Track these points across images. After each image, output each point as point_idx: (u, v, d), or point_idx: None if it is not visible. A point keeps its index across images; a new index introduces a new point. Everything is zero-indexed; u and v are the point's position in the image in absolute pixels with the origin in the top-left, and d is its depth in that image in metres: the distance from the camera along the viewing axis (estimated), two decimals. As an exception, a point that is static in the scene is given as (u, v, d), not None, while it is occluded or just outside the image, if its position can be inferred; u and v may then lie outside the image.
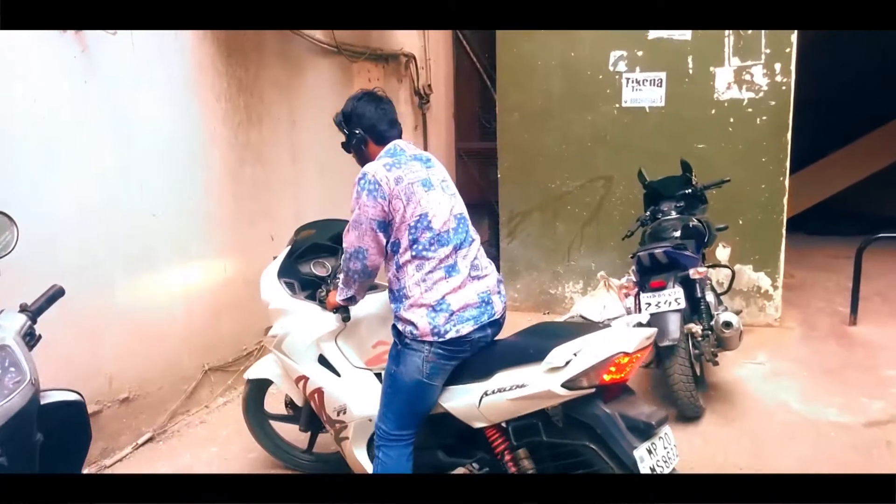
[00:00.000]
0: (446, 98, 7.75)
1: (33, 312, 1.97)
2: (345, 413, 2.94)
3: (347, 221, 3.25)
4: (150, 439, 3.87)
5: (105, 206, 3.61)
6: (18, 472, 1.69)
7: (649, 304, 3.86)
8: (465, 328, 2.53)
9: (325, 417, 3.04)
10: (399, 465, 2.63)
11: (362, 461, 2.93)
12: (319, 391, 3.00)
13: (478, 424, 2.61)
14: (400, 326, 2.61)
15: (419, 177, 2.60)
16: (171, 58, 3.98)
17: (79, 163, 3.47)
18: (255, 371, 3.43)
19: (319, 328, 2.99)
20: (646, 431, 2.38)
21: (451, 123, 7.94)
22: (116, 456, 3.67)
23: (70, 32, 3.36)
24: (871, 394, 4.24)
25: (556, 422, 2.50)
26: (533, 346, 2.50)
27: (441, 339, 2.52)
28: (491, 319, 2.61)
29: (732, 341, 4.02)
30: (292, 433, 3.50)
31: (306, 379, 3.04)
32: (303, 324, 3.03)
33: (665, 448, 2.43)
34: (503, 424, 2.60)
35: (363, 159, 2.76)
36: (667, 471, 2.39)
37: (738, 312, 4.18)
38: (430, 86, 7.14)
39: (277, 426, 3.57)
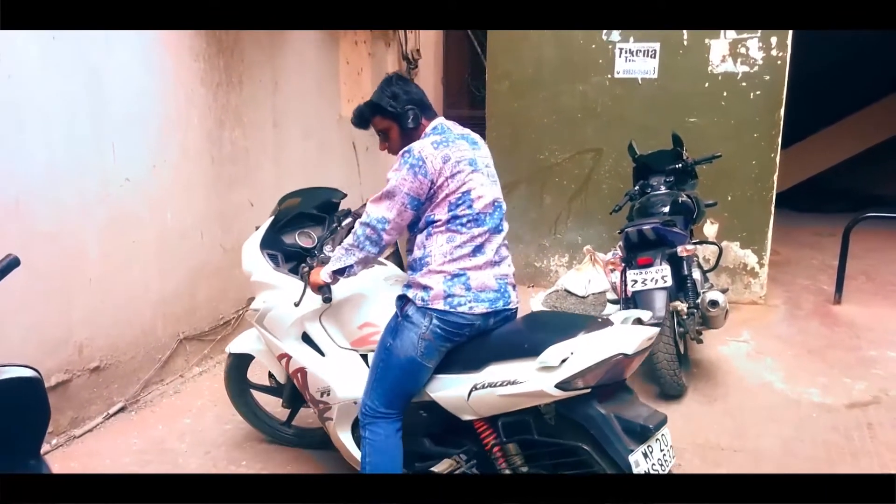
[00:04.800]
0: (435, 63, 7.56)
1: (-14, 283, 1.86)
2: (328, 395, 2.83)
3: (334, 189, 3.19)
4: (121, 409, 3.78)
5: (75, 170, 3.46)
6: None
7: (635, 281, 3.79)
8: (479, 308, 2.50)
9: (309, 397, 2.94)
10: (388, 442, 2.55)
11: (347, 444, 2.85)
12: (302, 370, 2.88)
13: (466, 417, 2.52)
14: (410, 293, 2.55)
15: (466, 156, 2.55)
16: (145, 14, 3.79)
17: (47, 124, 3.30)
18: (238, 345, 3.33)
19: (303, 306, 2.81)
20: (642, 434, 2.28)
21: (439, 89, 7.76)
22: (87, 426, 3.58)
23: (37, -16, 3.18)
24: (854, 374, 4.23)
25: (549, 420, 2.39)
26: (527, 339, 2.41)
27: (450, 310, 2.47)
28: (506, 307, 2.57)
29: (718, 320, 3.97)
30: (274, 404, 3.42)
31: (289, 357, 2.91)
32: (286, 300, 2.85)
33: (662, 450, 2.33)
34: (493, 419, 2.50)
35: (410, 140, 2.62)
36: (663, 473, 2.30)
37: (724, 291, 4.13)
38: (418, 51, 6.97)
39: (259, 396, 3.49)
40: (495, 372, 2.40)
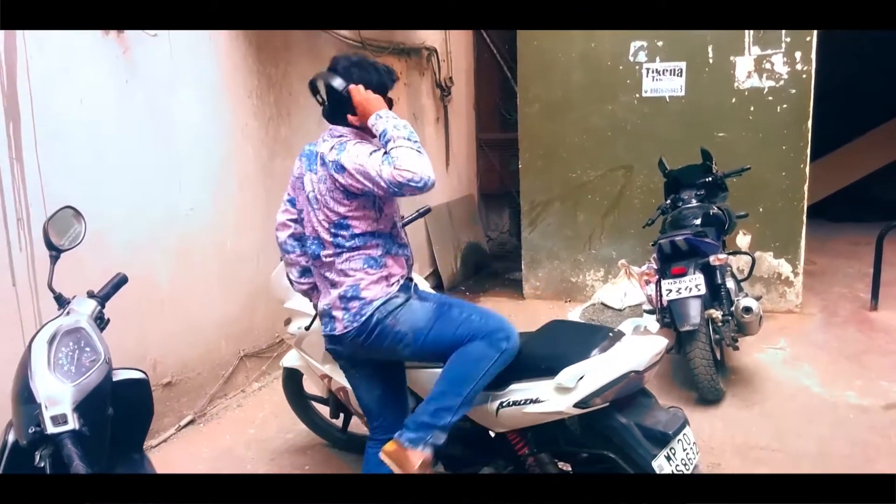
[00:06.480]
0: (467, 90, 7.85)
1: (101, 298, 2.14)
2: None
3: None
4: (191, 422, 4.06)
5: (148, 203, 3.79)
6: (95, 441, 1.85)
7: (670, 291, 3.97)
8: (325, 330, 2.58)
9: (354, 411, 3.13)
10: None
11: None
12: (344, 389, 3.04)
13: (498, 430, 2.67)
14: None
15: (298, 173, 2.59)
16: (205, 57, 4.13)
17: (124, 162, 3.64)
18: (289, 359, 3.53)
19: None
20: (663, 440, 2.41)
21: (472, 115, 8.05)
22: (161, 437, 3.86)
23: (112, 34, 3.52)
24: (891, 377, 4.32)
25: (574, 430, 2.56)
26: (544, 359, 2.53)
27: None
28: (330, 334, 2.54)
29: (752, 326, 4.11)
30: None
31: (329, 378, 3.10)
32: (318, 327, 2.87)
33: (684, 449, 2.46)
34: (523, 430, 2.64)
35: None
36: (688, 471, 2.43)
37: (758, 298, 4.27)
38: (451, 78, 7.26)
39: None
40: (518, 391, 2.53)
